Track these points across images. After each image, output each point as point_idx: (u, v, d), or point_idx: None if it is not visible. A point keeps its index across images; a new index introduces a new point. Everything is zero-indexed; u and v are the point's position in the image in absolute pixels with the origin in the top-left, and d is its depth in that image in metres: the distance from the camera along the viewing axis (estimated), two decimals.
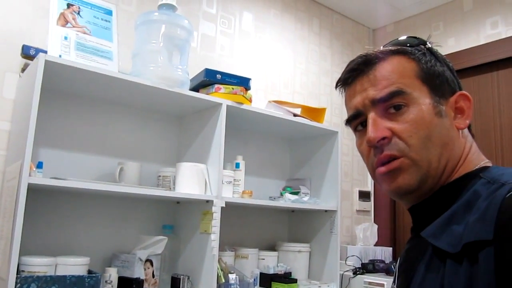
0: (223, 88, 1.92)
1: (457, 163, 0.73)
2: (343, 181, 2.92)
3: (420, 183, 0.71)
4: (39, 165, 1.51)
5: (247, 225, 2.34)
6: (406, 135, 0.70)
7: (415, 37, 0.79)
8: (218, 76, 1.93)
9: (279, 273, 2.13)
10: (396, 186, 0.72)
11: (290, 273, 2.18)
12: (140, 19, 1.82)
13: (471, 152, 0.75)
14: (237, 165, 2.04)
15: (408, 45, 0.77)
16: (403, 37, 0.80)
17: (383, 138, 0.71)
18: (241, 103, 1.94)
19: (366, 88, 0.74)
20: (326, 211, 2.28)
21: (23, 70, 1.74)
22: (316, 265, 2.30)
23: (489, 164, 0.74)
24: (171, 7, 1.83)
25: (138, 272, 1.74)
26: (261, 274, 2.06)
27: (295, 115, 2.22)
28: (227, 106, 1.89)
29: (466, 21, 2.81)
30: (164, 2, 1.82)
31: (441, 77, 0.75)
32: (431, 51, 0.77)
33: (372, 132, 0.72)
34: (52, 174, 1.66)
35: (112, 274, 1.66)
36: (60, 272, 1.53)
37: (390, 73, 0.73)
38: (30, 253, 1.54)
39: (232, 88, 1.93)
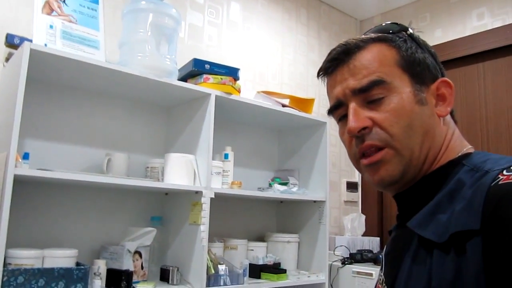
0: (211, 78, 1.90)
1: (439, 151, 0.73)
2: (331, 172, 2.93)
3: (403, 173, 0.71)
4: (25, 156, 1.49)
5: (235, 216, 2.34)
6: (387, 124, 0.70)
7: (396, 24, 0.78)
8: (207, 66, 1.92)
9: (268, 263, 2.13)
10: (379, 178, 0.72)
11: (279, 264, 2.19)
12: (127, 8, 1.79)
13: (453, 139, 0.75)
14: (226, 156, 2.03)
15: (389, 31, 0.77)
16: (384, 24, 0.79)
17: (364, 128, 0.71)
18: (230, 94, 1.92)
19: (346, 78, 0.74)
20: (314, 201, 2.28)
21: (7, 59, 1.71)
22: (305, 255, 2.31)
23: (472, 150, 0.74)
24: None
25: (127, 264, 1.72)
26: (250, 265, 2.05)
27: (283, 105, 2.21)
28: (216, 96, 1.87)
29: (452, 12, 2.83)
30: None
31: (422, 64, 0.74)
32: (412, 37, 0.77)
33: (352, 122, 0.71)
34: (39, 165, 1.62)
35: (101, 266, 1.65)
36: (48, 264, 1.50)
37: (370, 62, 0.73)
38: (16, 245, 1.51)
39: (221, 79, 1.92)
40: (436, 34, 2.88)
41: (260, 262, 2.11)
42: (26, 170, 1.42)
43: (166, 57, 1.77)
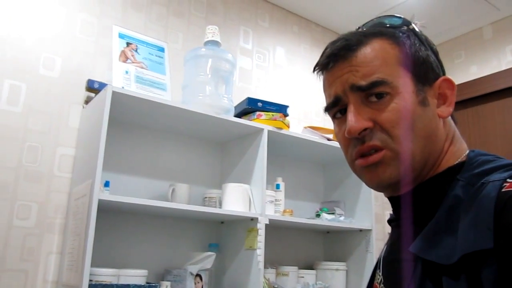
0: (264, 115, 2.09)
1: (438, 155, 0.69)
2: (375, 205, 3.01)
3: (401, 175, 0.67)
4: (106, 184, 1.69)
5: (286, 244, 2.46)
6: (389, 125, 0.66)
7: (399, 17, 0.73)
8: (259, 104, 2.11)
9: None
10: (377, 180, 0.69)
11: None
12: (189, 54, 2.03)
13: (453, 143, 0.71)
14: (278, 186, 2.19)
15: (392, 25, 0.72)
16: (386, 17, 0.74)
17: (365, 129, 0.67)
18: (281, 128, 2.10)
19: (346, 74, 0.69)
20: (361, 230, 2.39)
21: (86, 102, 1.95)
22: (353, 283, 2.39)
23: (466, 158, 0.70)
24: (216, 43, 2.03)
25: (190, 286, 1.87)
26: None
27: (328, 139, 2.37)
28: (268, 131, 2.05)
29: (486, 49, 2.96)
30: (210, 39, 2.02)
31: (425, 63, 0.70)
32: (414, 33, 0.72)
33: (353, 122, 0.67)
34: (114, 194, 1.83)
35: (168, 286, 1.80)
36: (122, 282, 1.67)
37: (372, 59, 0.68)
38: (94, 265, 1.69)
39: (272, 115, 2.10)
40: (472, 70, 3.00)
41: None
42: (109, 195, 1.62)
43: (224, 96, 1.98)
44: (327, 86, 0.74)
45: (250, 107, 2.10)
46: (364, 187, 2.44)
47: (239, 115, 2.14)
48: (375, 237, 2.85)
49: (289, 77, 2.79)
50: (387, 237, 3.03)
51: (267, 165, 2.04)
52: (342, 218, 2.36)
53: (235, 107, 2.15)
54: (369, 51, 0.69)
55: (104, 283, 1.61)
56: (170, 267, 1.98)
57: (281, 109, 2.15)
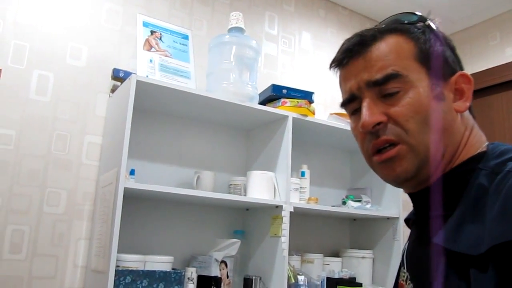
0: (288, 102, 2.07)
1: (457, 149, 0.69)
2: (402, 192, 2.96)
3: (417, 169, 0.67)
4: (132, 172, 1.71)
5: (311, 232, 2.45)
6: (402, 119, 0.66)
7: (414, 13, 0.73)
8: (284, 91, 2.09)
9: (344, 277, 2.21)
10: (394, 175, 0.69)
11: (354, 278, 2.26)
12: (213, 42, 2.02)
13: (471, 135, 0.71)
14: (303, 174, 2.17)
15: (407, 22, 0.72)
16: (403, 13, 0.74)
17: (379, 123, 0.68)
18: (306, 115, 2.08)
19: (361, 70, 0.70)
20: (388, 218, 2.35)
21: (112, 91, 1.97)
22: (380, 271, 2.37)
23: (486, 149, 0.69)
24: (240, 29, 2.01)
25: (215, 272, 1.89)
26: (327, 278, 2.15)
27: None
28: (293, 118, 2.03)
29: None
30: (234, 26, 2.01)
31: (441, 57, 0.70)
32: (430, 29, 0.72)
33: (366, 116, 0.68)
34: (140, 182, 1.85)
35: (193, 273, 1.82)
36: (148, 268, 1.70)
37: (387, 54, 0.69)
38: (121, 251, 1.73)
39: (297, 102, 2.08)
40: (507, 53, 2.88)
41: (336, 276, 2.20)
42: (134, 183, 1.65)
43: (248, 83, 1.97)
44: (342, 82, 0.75)
45: (274, 94, 2.08)
46: None
47: (263, 102, 2.12)
48: (403, 224, 2.81)
49: (315, 63, 2.75)
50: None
51: (292, 152, 2.03)
52: (368, 205, 2.33)
53: (260, 94, 2.14)
54: (383, 46, 0.70)
55: (130, 269, 1.64)
56: (195, 254, 2.01)
57: (306, 96, 2.12)
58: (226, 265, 1.97)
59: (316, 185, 2.48)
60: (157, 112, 2.06)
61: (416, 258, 0.73)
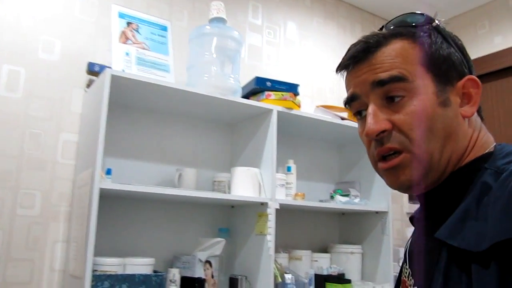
0: (273, 95, 1.99)
1: (463, 154, 0.69)
2: None
3: (421, 177, 0.68)
4: (108, 172, 1.63)
5: (299, 228, 2.40)
6: (406, 127, 0.66)
7: (421, 14, 0.72)
8: (268, 83, 2.01)
9: (333, 274, 2.16)
10: (398, 182, 0.69)
11: (343, 274, 2.21)
12: (193, 33, 1.93)
13: (479, 137, 0.70)
14: (289, 169, 2.11)
15: (413, 24, 0.71)
16: (408, 15, 0.73)
17: (383, 131, 0.68)
18: (291, 109, 2.01)
19: (366, 73, 0.70)
20: (377, 212, 2.30)
21: (88, 85, 1.88)
22: (369, 266, 2.32)
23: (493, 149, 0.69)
24: (221, 20, 1.93)
25: (199, 272, 1.82)
26: (315, 275, 2.10)
27: (342, 118, 2.26)
28: (278, 111, 1.96)
29: None
30: (215, 16, 1.92)
31: (448, 61, 0.69)
32: (437, 30, 0.71)
33: (371, 124, 0.68)
34: (118, 181, 1.77)
35: (176, 274, 1.75)
36: (128, 271, 1.63)
37: (393, 57, 0.69)
38: (100, 254, 1.65)
39: (282, 95, 2.01)
40: (496, 41, 2.83)
41: (325, 273, 2.15)
42: (110, 184, 1.56)
43: (230, 76, 1.89)
44: (348, 85, 0.75)
45: (258, 87, 2.01)
46: None
47: (247, 95, 2.05)
48: (392, 217, 2.77)
49: (301, 54, 2.67)
50: (405, 218, 2.95)
51: (278, 147, 1.96)
52: (357, 200, 2.27)
53: (244, 87, 2.06)
54: (389, 51, 0.69)
55: (109, 273, 1.56)
56: (179, 254, 1.93)
57: (291, 88, 2.05)
58: (210, 265, 1.90)
59: (304, 180, 2.41)
60: (135, 108, 1.98)
61: (417, 254, 0.74)
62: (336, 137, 2.49)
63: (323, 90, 2.72)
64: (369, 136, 0.69)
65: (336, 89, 2.78)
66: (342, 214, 2.54)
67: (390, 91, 0.68)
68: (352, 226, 2.47)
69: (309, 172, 2.48)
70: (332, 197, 2.33)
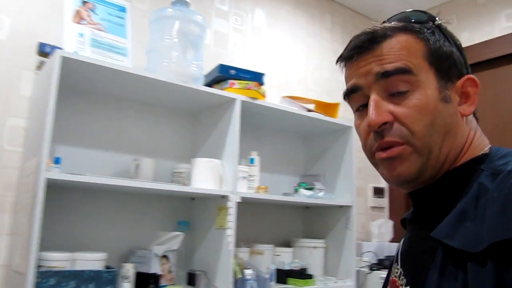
0: (237, 84, 1.91)
1: (460, 151, 0.69)
2: (357, 178, 2.88)
3: (420, 171, 0.67)
4: (57, 161, 1.52)
5: (262, 221, 2.34)
6: (409, 121, 0.66)
7: (424, 12, 0.73)
8: (232, 72, 1.93)
9: (295, 269, 2.11)
10: (395, 174, 0.69)
11: (305, 269, 2.17)
12: (154, 15, 1.83)
13: (475, 138, 0.71)
14: (252, 161, 2.04)
15: (416, 21, 0.72)
16: (411, 12, 0.73)
17: (385, 123, 0.67)
18: (255, 98, 1.93)
19: (370, 63, 0.69)
20: (341, 206, 2.26)
21: (38, 67, 1.76)
22: (331, 261, 2.29)
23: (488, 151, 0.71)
24: (184, 3, 1.83)
25: (155, 267, 1.74)
26: (277, 270, 2.05)
27: (309, 110, 2.21)
28: (241, 101, 1.88)
29: (480, 14, 2.78)
30: None
31: (450, 59, 0.70)
32: (440, 29, 0.72)
33: (373, 115, 0.67)
34: (70, 170, 1.66)
35: (130, 270, 1.67)
36: (78, 267, 1.53)
37: (399, 49, 0.68)
38: (48, 248, 1.55)
39: (246, 84, 1.93)
40: (463, 37, 2.83)
41: (287, 268, 2.10)
42: (57, 174, 1.45)
43: (192, 63, 1.80)
44: (349, 77, 0.74)
45: (222, 75, 1.92)
46: (346, 160, 2.30)
47: (210, 83, 1.96)
48: (357, 211, 2.75)
49: (269, 42, 2.59)
50: (369, 212, 2.94)
51: (242, 138, 1.89)
52: (321, 193, 2.23)
53: (207, 75, 1.97)
54: (394, 43, 0.69)
55: (56, 269, 1.46)
56: (134, 248, 1.84)
57: (256, 77, 1.97)
58: (168, 260, 1.82)
59: (268, 172, 2.35)
60: (90, 93, 1.86)
61: (411, 253, 0.73)
62: (302, 129, 2.44)
63: (290, 81, 2.66)
64: (371, 127, 0.68)
65: (303, 80, 2.72)
66: (306, 208, 2.49)
67: (394, 83, 0.68)
68: (316, 220, 2.43)
69: (273, 164, 2.42)
70: (296, 190, 2.27)
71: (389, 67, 0.67)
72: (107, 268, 1.59)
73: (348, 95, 0.74)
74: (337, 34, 2.98)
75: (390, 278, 0.78)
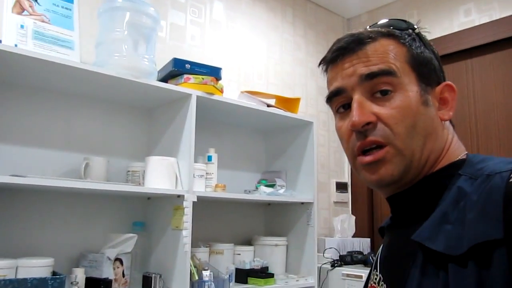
0: (192, 78, 1.84)
1: (439, 155, 0.71)
2: (320, 173, 2.88)
3: (402, 174, 0.68)
4: None
5: (221, 220, 2.28)
6: (392, 121, 0.67)
7: (404, 21, 0.75)
8: (187, 66, 1.86)
9: (256, 268, 2.07)
10: (378, 177, 0.69)
11: (267, 268, 2.13)
12: (103, 6, 1.73)
13: (452, 143, 0.73)
14: (209, 158, 1.97)
15: (397, 28, 0.74)
16: (392, 20, 0.76)
17: (368, 123, 0.68)
18: (212, 94, 1.87)
19: (355, 64, 0.71)
20: (302, 203, 2.23)
21: None
22: (293, 258, 2.26)
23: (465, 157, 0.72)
24: None
25: (107, 272, 1.66)
26: (237, 269, 2.00)
27: (268, 105, 2.16)
28: (197, 97, 1.81)
29: (439, 9, 2.79)
30: None
31: (429, 65, 0.73)
32: (419, 37, 0.74)
33: (357, 116, 0.68)
34: (12, 171, 1.56)
35: (79, 275, 1.58)
36: (22, 275, 1.43)
37: (383, 52, 0.70)
38: None
39: (202, 78, 1.86)
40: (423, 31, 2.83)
41: (247, 267, 2.06)
42: None
43: (144, 57, 1.72)
44: (332, 79, 0.75)
45: (176, 70, 1.84)
46: (308, 156, 2.27)
47: (165, 78, 1.88)
48: (319, 207, 2.73)
49: (228, 36, 2.53)
50: (332, 207, 2.92)
51: (200, 135, 1.82)
52: (282, 190, 2.19)
53: (161, 70, 1.90)
54: (378, 46, 0.71)
55: None
56: (86, 252, 1.76)
57: (213, 72, 1.90)
58: (121, 263, 1.74)
59: (228, 169, 2.30)
60: (35, 89, 1.75)
61: (391, 258, 0.74)
62: (262, 125, 2.39)
63: (250, 75, 2.60)
64: (354, 127, 0.69)
65: (264, 74, 2.67)
66: (268, 205, 2.45)
67: (378, 85, 0.69)
68: (278, 217, 2.39)
69: (233, 161, 2.36)
70: (257, 187, 2.23)
71: (373, 68, 0.69)
72: (54, 275, 1.50)
73: (331, 98, 0.75)
74: (299, 27, 2.94)
75: (369, 284, 0.80)
